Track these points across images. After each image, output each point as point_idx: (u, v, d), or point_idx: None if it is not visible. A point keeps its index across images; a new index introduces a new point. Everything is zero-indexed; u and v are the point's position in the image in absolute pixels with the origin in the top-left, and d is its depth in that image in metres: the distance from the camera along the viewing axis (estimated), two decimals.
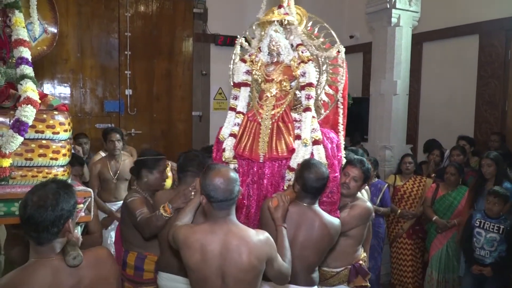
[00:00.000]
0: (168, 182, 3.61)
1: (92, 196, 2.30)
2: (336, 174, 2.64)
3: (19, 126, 2.10)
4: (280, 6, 2.92)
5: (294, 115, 2.78)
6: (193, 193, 2.41)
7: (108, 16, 6.29)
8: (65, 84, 6.11)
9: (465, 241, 3.79)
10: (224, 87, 7.16)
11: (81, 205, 2.19)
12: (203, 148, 3.77)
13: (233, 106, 2.91)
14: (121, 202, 4.26)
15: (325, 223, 2.36)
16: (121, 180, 4.27)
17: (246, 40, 3.10)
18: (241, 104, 2.90)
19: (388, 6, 4.94)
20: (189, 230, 1.99)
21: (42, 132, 2.21)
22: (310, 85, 2.72)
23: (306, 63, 2.74)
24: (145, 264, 2.84)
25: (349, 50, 3.47)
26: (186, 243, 1.94)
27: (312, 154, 2.58)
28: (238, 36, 3.11)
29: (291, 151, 2.59)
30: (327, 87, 2.88)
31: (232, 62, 3.09)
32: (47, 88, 5.96)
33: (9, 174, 2.12)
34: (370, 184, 4.08)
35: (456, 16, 5.71)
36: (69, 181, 2.29)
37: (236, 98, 2.92)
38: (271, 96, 2.78)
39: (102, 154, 4.49)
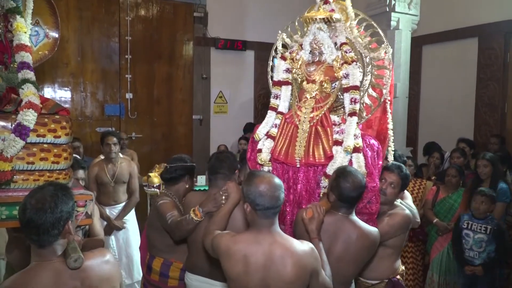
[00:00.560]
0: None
1: (94, 199, 2.32)
2: (375, 184, 2.46)
3: (20, 130, 2.11)
4: (326, 2, 2.73)
5: (334, 117, 2.62)
6: (224, 197, 2.35)
7: (109, 20, 6.31)
8: (66, 88, 6.12)
9: (454, 243, 3.83)
10: (225, 90, 7.18)
11: (82, 208, 2.21)
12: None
13: (273, 106, 2.74)
14: (121, 205, 4.33)
15: (364, 233, 2.21)
16: (119, 183, 4.30)
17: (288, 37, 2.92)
18: (283, 104, 2.73)
19: (388, 10, 4.99)
20: (231, 240, 1.92)
21: (44, 136, 2.22)
22: (355, 87, 2.54)
23: (349, 64, 2.55)
24: (170, 271, 2.80)
25: None
26: (227, 253, 1.88)
27: (350, 161, 2.43)
28: (280, 32, 2.91)
29: (329, 157, 2.45)
30: (370, 90, 2.69)
31: (270, 59, 2.94)
32: (48, 92, 5.97)
33: (11, 178, 2.14)
34: None
35: (455, 19, 5.73)
36: (70, 184, 2.30)
37: (276, 97, 2.74)
38: (310, 97, 2.62)
39: (102, 157, 4.50)
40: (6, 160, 2.10)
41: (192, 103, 6.96)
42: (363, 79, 2.67)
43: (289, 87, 2.77)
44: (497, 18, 5.25)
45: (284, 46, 2.97)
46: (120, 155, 4.45)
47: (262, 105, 7.24)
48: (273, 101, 2.76)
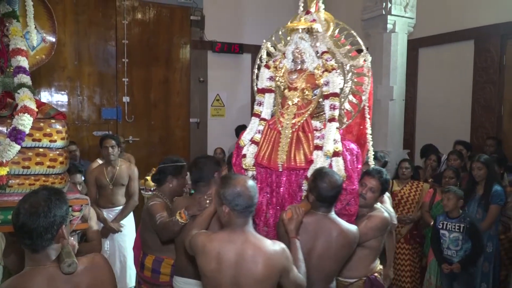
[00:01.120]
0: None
1: (89, 204, 2.31)
2: (354, 187, 2.57)
3: (16, 135, 2.12)
4: (308, 12, 2.86)
5: (316, 123, 2.73)
6: (208, 201, 2.46)
7: (105, 24, 6.31)
8: (63, 92, 6.11)
9: (433, 243, 3.87)
10: (222, 93, 7.19)
11: (78, 213, 2.21)
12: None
13: (257, 112, 2.87)
14: (119, 208, 4.32)
15: (344, 230, 2.31)
16: (117, 186, 4.29)
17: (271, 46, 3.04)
18: (265, 111, 2.87)
19: (384, 13, 4.99)
20: (206, 238, 1.99)
21: (39, 140, 2.22)
22: (334, 95, 2.66)
23: (330, 72, 2.68)
24: (162, 267, 2.91)
25: None
26: (203, 251, 1.95)
27: (330, 165, 2.53)
28: (264, 41, 3.03)
29: (310, 162, 2.55)
30: (350, 96, 2.81)
31: (256, 67, 3.04)
32: (45, 96, 5.97)
33: (6, 183, 2.13)
34: None
35: (451, 21, 5.75)
36: (66, 189, 2.30)
37: (260, 104, 2.88)
38: (292, 104, 2.75)
39: (99, 161, 4.50)
40: (1, 164, 2.10)
41: (189, 106, 6.96)
42: (344, 86, 2.79)
43: (272, 94, 2.89)
44: (493, 21, 5.27)
45: (269, 54, 3.10)
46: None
47: None
48: (256, 107, 2.89)
